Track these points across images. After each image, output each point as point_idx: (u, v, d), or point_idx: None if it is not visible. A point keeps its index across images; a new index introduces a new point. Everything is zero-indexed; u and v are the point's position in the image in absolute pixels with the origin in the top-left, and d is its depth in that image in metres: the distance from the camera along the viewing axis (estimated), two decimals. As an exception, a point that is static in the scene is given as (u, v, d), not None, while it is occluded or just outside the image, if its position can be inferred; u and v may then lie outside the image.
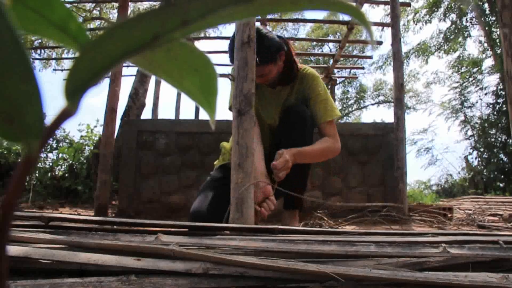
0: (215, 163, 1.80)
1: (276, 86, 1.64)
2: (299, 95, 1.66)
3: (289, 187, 1.65)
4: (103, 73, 0.16)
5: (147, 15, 0.14)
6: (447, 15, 11.88)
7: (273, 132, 1.67)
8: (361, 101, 19.28)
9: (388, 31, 3.62)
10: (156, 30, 0.15)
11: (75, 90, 0.16)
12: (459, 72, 11.97)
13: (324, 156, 1.57)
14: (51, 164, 4.71)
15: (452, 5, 11.33)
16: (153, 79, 5.83)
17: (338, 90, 18.33)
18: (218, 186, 1.57)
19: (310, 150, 1.50)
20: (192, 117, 6.63)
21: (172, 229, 0.84)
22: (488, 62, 11.11)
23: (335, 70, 6.36)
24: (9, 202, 0.16)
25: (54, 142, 4.82)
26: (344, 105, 19.24)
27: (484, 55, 11.44)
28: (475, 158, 11.18)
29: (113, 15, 9.26)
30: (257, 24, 1.52)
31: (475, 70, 11.18)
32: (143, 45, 0.15)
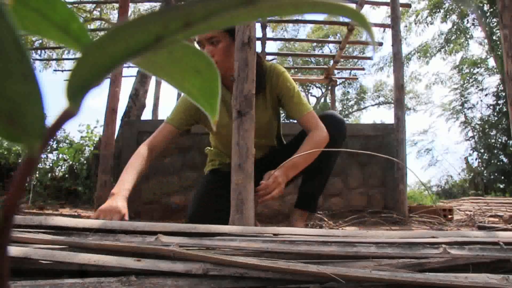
0: (205, 169, 1.82)
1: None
2: (273, 95, 1.59)
3: (305, 186, 1.66)
4: (105, 74, 0.16)
5: (150, 17, 0.14)
6: (448, 17, 11.89)
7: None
8: (361, 102, 19.29)
9: (389, 32, 3.63)
10: (159, 32, 0.15)
11: (77, 91, 0.16)
12: (460, 74, 11.98)
13: (316, 152, 1.47)
14: (51, 164, 4.71)
15: (453, 6, 11.34)
16: (153, 80, 5.84)
17: (338, 91, 18.37)
18: (214, 189, 1.59)
19: (300, 157, 1.41)
20: (192, 117, 6.60)
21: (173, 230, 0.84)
22: (490, 63, 11.12)
23: (335, 71, 6.36)
24: (11, 203, 0.16)
25: (54, 142, 4.82)
26: (344, 106, 19.25)
27: (485, 56, 11.45)
28: (475, 159, 11.19)
29: (114, 15, 9.28)
30: (258, 25, 1.52)
31: (475, 71, 11.20)
32: (145, 46, 0.15)
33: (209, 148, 1.84)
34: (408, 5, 4.59)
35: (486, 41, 10.74)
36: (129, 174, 1.35)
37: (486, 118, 10.81)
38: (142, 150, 1.47)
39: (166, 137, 1.55)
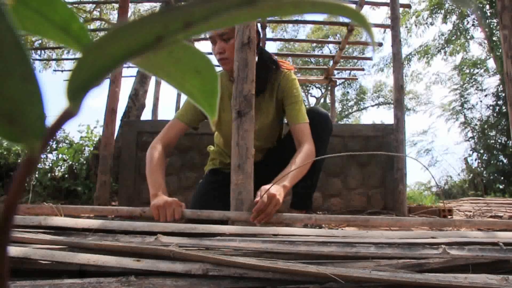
0: (205, 168, 1.82)
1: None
2: (279, 98, 1.63)
3: (299, 187, 1.65)
4: (106, 74, 0.16)
5: (151, 17, 0.14)
6: (447, 17, 11.89)
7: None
8: (361, 102, 19.30)
9: (389, 33, 3.64)
10: (159, 32, 0.15)
11: (77, 91, 0.16)
12: (460, 74, 11.98)
13: (308, 165, 1.47)
14: (50, 164, 4.70)
15: (453, 7, 11.34)
16: (153, 80, 5.83)
17: (338, 92, 18.38)
18: (214, 189, 1.60)
19: (293, 172, 1.37)
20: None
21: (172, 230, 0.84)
22: (490, 64, 11.11)
23: (335, 72, 6.37)
24: (11, 203, 0.16)
25: (54, 142, 4.82)
26: (344, 107, 19.26)
27: (485, 57, 11.45)
28: (475, 160, 11.18)
29: (113, 16, 9.28)
30: (258, 25, 1.50)
31: (475, 71, 11.20)
32: (146, 46, 0.15)
33: (211, 146, 1.84)
34: (408, 6, 4.60)
35: (486, 41, 10.75)
36: (159, 175, 1.47)
37: (486, 119, 10.81)
38: (159, 148, 1.51)
39: (178, 133, 1.60)
